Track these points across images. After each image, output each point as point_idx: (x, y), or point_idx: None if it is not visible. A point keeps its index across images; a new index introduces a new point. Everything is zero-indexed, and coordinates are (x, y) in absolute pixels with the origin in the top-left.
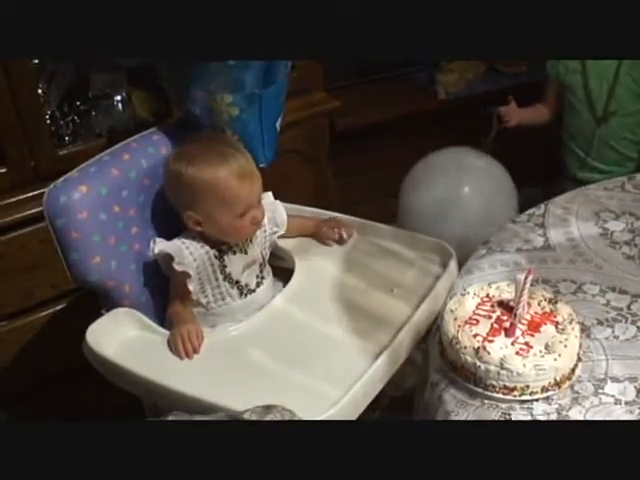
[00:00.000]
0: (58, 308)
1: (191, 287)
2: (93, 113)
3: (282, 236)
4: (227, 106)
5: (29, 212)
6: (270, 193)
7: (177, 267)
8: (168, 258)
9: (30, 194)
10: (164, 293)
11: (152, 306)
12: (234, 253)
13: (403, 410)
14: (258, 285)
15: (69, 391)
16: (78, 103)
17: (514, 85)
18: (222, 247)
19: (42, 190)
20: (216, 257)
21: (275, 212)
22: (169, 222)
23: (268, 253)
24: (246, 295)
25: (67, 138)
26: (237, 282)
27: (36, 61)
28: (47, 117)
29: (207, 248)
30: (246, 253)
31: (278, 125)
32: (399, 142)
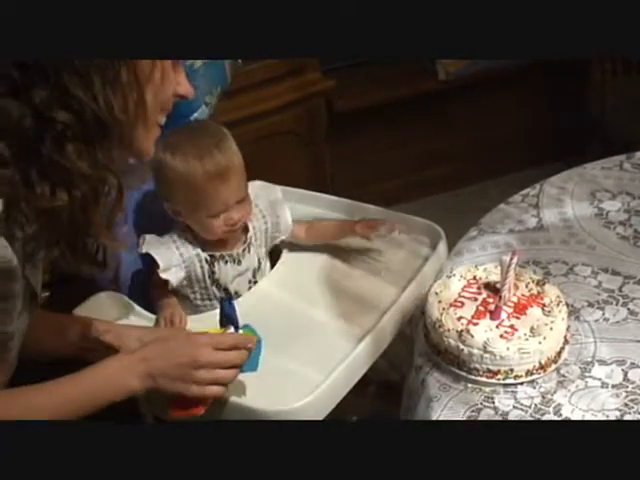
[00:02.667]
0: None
1: (170, 288)
2: None
3: (299, 244)
4: None
5: None
6: (279, 191)
7: (161, 274)
8: (154, 261)
9: None
10: (150, 275)
11: (138, 289)
12: (226, 262)
13: (392, 396)
14: (250, 289)
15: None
16: None
17: (515, 62)
18: (214, 253)
19: None
20: (207, 261)
21: (280, 217)
22: (153, 205)
23: (267, 253)
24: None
25: None
26: (225, 289)
27: None
28: None
29: (198, 250)
30: (239, 264)
31: (195, 120)
32: (399, 123)
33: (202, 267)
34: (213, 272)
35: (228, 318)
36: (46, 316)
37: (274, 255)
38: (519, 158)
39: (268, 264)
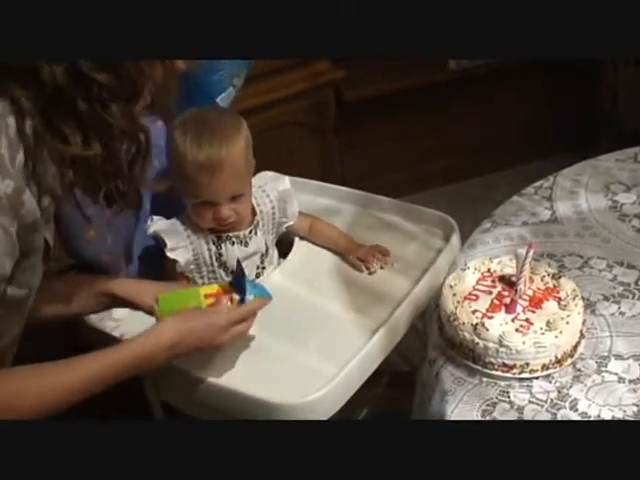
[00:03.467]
0: None
1: (179, 270)
2: None
3: (306, 239)
4: None
5: None
6: (288, 182)
7: (168, 253)
8: (161, 240)
9: None
10: (162, 266)
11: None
12: (232, 244)
13: (406, 388)
14: (258, 276)
15: None
16: None
17: None
18: (221, 234)
19: None
20: (213, 243)
21: (287, 202)
22: (167, 196)
23: (274, 242)
24: None
25: None
26: (233, 272)
27: None
28: None
29: (206, 232)
30: (246, 245)
31: (221, 101)
32: (409, 114)
33: (209, 249)
34: (220, 254)
35: (238, 289)
36: (62, 278)
37: (284, 247)
38: (528, 150)
39: (276, 253)
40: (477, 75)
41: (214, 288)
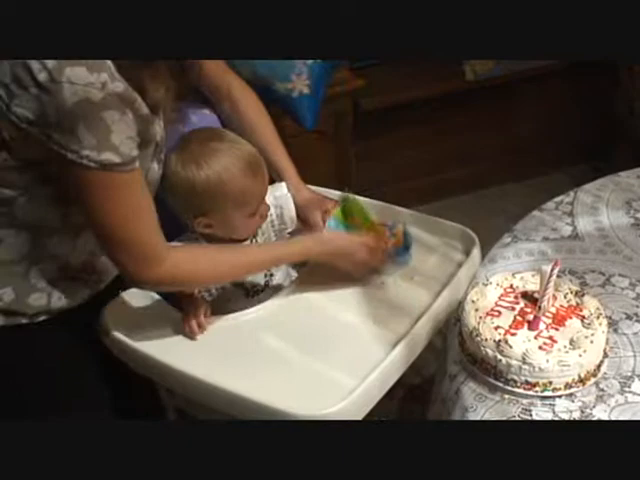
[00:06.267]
0: None
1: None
2: None
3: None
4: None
5: None
6: (284, 187)
7: None
8: None
9: None
10: None
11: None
12: None
13: (419, 401)
14: (267, 284)
15: None
16: None
17: (544, 65)
18: None
19: None
20: None
21: (284, 208)
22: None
23: None
24: (253, 295)
25: None
26: (241, 283)
27: None
28: None
29: None
30: None
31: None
32: (425, 123)
33: None
34: None
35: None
36: None
37: None
38: (543, 160)
39: None
40: (493, 85)
41: (381, 230)
